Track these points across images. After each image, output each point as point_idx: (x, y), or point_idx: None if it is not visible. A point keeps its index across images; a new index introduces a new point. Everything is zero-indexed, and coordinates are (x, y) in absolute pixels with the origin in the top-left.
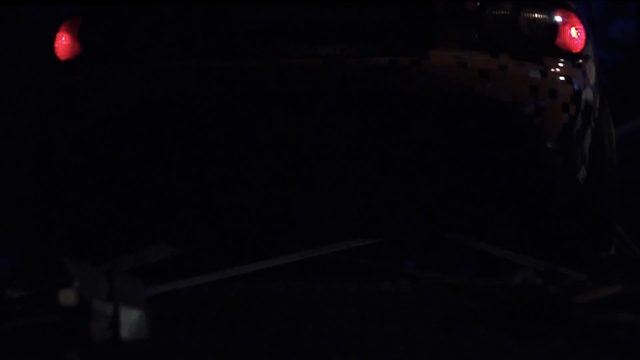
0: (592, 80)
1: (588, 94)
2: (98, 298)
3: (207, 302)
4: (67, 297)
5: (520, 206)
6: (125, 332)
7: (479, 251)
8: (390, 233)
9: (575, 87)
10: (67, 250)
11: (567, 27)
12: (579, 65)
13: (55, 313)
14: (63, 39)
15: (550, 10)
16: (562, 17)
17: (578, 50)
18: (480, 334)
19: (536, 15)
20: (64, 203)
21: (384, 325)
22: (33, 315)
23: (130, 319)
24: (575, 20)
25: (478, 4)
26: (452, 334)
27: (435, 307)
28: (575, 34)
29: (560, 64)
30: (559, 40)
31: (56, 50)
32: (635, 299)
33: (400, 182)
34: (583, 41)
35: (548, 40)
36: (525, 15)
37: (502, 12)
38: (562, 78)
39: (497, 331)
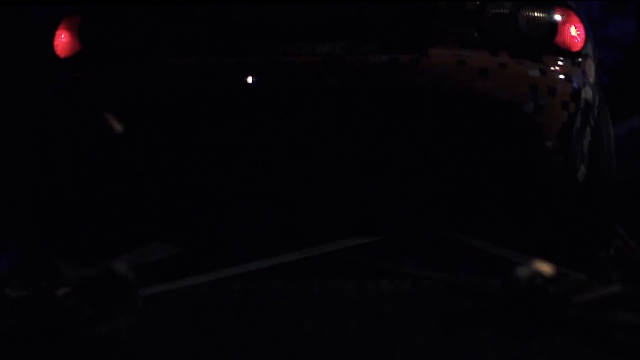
0: (591, 79)
1: (587, 93)
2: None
3: (207, 302)
4: (66, 296)
5: (520, 205)
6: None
7: (478, 250)
8: (389, 232)
9: (575, 85)
10: (66, 250)
11: (566, 26)
12: (579, 64)
13: (54, 312)
14: (63, 36)
15: (549, 8)
16: (561, 15)
17: (577, 49)
18: (480, 333)
19: (536, 13)
20: (63, 202)
21: (384, 324)
22: (32, 315)
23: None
24: (575, 19)
25: (478, 2)
26: (452, 333)
27: (434, 306)
28: (574, 33)
29: (560, 63)
30: (558, 39)
31: (55, 48)
32: (635, 298)
33: (399, 180)
34: (582, 40)
35: (547, 38)
36: (524, 13)
37: (502, 10)
38: (561, 76)
39: (496, 330)
